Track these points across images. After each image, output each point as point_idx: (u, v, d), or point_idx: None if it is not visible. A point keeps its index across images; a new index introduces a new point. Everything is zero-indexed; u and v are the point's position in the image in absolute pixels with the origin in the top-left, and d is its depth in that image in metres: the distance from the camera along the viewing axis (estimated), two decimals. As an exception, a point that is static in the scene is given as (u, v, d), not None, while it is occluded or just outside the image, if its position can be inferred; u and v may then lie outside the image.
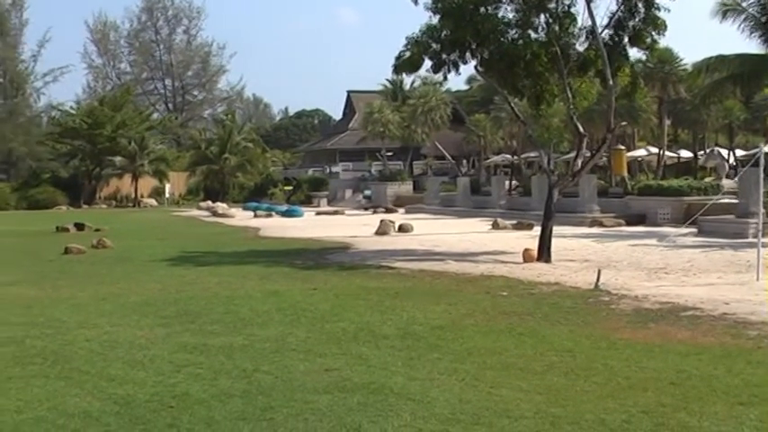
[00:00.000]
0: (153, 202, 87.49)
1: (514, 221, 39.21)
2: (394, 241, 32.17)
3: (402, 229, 37.14)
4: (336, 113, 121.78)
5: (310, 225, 45.11)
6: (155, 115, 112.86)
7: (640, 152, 61.33)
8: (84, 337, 12.29)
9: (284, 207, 64.36)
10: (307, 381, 9.55)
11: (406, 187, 73.42)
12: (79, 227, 41.53)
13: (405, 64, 26.02)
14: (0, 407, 8.68)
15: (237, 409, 8.45)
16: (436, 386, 9.33)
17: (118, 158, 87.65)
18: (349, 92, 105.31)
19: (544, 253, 23.37)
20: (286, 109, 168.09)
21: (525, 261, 22.95)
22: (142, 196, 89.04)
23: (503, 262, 23.22)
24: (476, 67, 26.53)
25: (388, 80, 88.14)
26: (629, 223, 39.08)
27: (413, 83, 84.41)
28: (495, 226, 38.66)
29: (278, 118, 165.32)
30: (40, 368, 10.40)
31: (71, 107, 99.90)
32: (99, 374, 10.00)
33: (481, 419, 8.14)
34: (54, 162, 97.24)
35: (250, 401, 8.74)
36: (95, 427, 8.02)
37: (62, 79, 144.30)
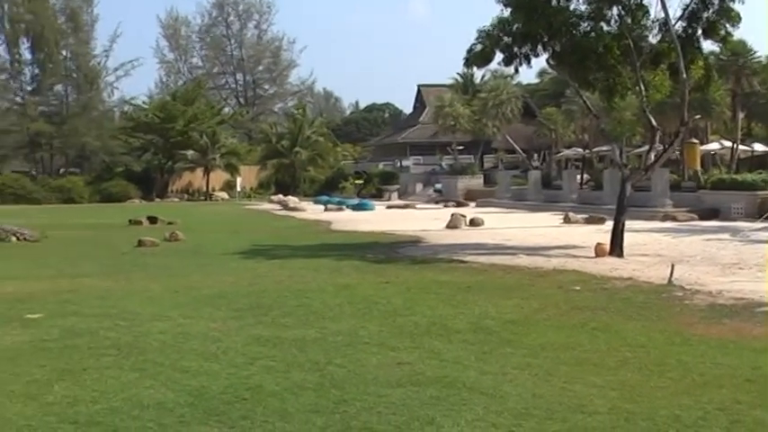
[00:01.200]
0: (224, 195, 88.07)
1: (586, 215, 38.98)
2: (465, 235, 32.11)
3: (473, 222, 37.08)
4: (407, 107, 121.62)
5: (381, 219, 45.14)
6: (226, 109, 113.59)
7: (713, 146, 60.55)
8: (158, 329, 12.39)
9: (355, 201, 64.42)
10: (379, 374, 9.56)
11: (477, 181, 73.25)
12: (152, 220, 41.89)
13: (476, 57, 25.95)
14: (75, 397, 8.75)
15: (311, 402, 8.47)
16: (509, 381, 9.30)
17: (190, 152, 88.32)
18: (419, 85, 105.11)
19: (616, 247, 23.19)
20: (356, 103, 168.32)
21: (597, 255, 22.78)
22: (214, 190, 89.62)
23: (575, 256, 23.08)
24: (547, 61, 26.42)
25: (458, 73, 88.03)
26: (701, 218, 38.70)
27: (483, 76, 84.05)
28: (567, 220, 38.45)
29: (348, 112, 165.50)
30: (114, 359, 10.50)
31: (143, 102, 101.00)
32: (173, 366, 10.06)
33: (555, 415, 8.10)
34: (127, 156, 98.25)
35: (323, 394, 8.75)
36: (170, 418, 8.07)
37: (134, 74, 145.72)
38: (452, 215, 38.17)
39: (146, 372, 9.79)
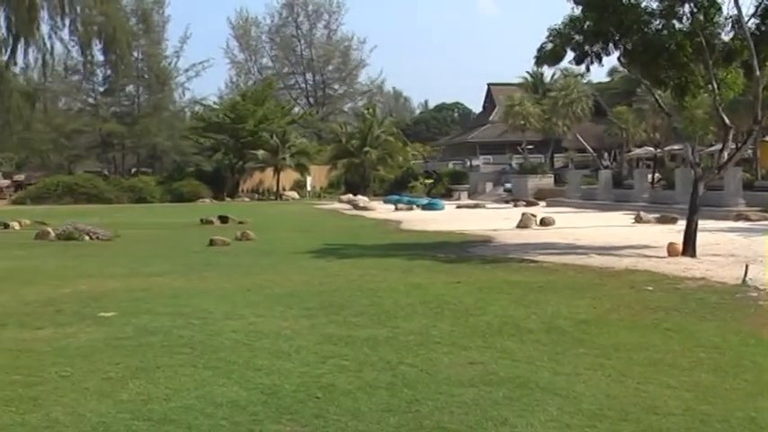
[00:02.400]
0: (294, 194, 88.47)
1: (657, 215, 38.63)
2: (535, 235, 31.99)
3: (543, 222, 36.93)
4: (476, 106, 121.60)
5: (451, 218, 45.15)
6: (296, 109, 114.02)
7: (787, 144, 59.97)
8: (231, 328, 12.44)
9: (425, 200, 64.46)
10: (452, 374, 9.52)
11: (547, 180, 72.99)
12: (223, 219, 42.18)
13: (547, 56, 25.83)
14: (149, 395, 8.81)
15: (383, 401, 8.46)
16: (582, 381, 9.23)
17: (260, 152, 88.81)
18: (489, 84, 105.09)
19: (689, 247, 22.95)
20: (426, 102, 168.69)
21: (670, 255, 22.56)
22: (284, 189, 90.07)
23: (647, 256, 22.88)
24: (619, 59, 26.24)
25: (528, 72, 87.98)
26: (775, 217, 38.25)
27: (553, 75, 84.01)
28: (638, 219, 38.13)
29: (418, 111, 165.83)
30: (187, 357, 10.55)
31: (214, 102, 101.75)
32: (245, 364, 10.09)
33: (629, 416, 8.02)
34: (197, 156, 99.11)
35: (395, 394, 8.73)
36: (243, 416, 8.09)
37: (204, 74, 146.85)
38: (523, 215, 38.05)
39: (219, 370, 9.83)
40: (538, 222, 36.82)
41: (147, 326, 12.60)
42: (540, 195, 66.56)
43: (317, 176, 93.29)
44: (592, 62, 25.40)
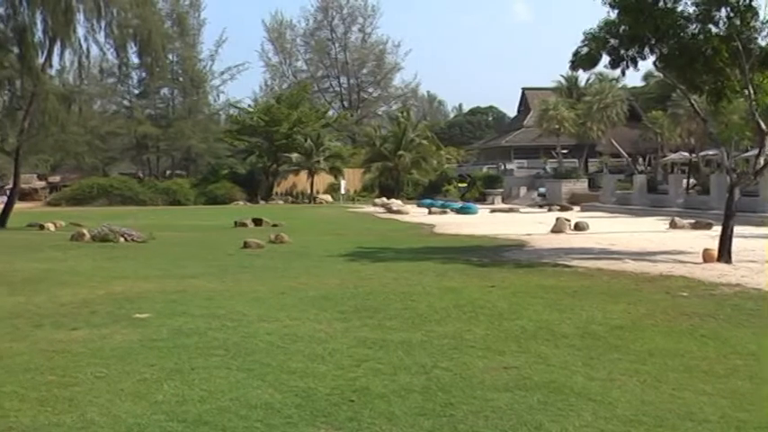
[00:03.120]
0: (328, 198, 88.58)
1: (692, 220, 38.47)
2: (569, 239, 31.90)
3: (578, 227, 36.84)
4: (511, 110, 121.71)
5: (485, 222, 45.11)
6: (330, 112, 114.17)
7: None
8: (265, 330, 12.45)
9: (459, 204, 64.45)
10: (486, 378, 9.50)
11: (581, 185, 72.82)
12: (257, 222, 42.35)
13: (582, 60, 25.74)
14: (184, 396, 8.84)
15: (417, 405, 8.44)
16: (617, 387, 9.18)
17: (294, 155, 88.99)
18: (524, 89, 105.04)
19: (725, 253, 22.81)
20: (460, 106, 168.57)
21: (705, 261, 22.44)
22: (318, 192, 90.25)
23: (682, 262, 22.76)
24: (654, 63, 26.13)
25: (562, 76, 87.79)
26: (812, 223, 37.97)
27: (588, 79, 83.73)
28: (673, 225, 38.01)
29: (452, 115, 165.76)
30: (222, 359, 10.57)
31: (248, 105, 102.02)
32: (280, 367, 10.10)
33: (664, 422, 7.98)
34: (232, 158, 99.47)
35: (430, 397, 8.72)
36: (277, 418, 8.10)
37: (239, 77, 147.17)
38: (557, 219, 38.01)
39: (253, 372, 9.84)
40: (572, 227, 36.73)
41: (182, 327, 12.64)
42: (575, 200, 66.40)
43: (350, 180, 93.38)
44: (627, 66, 25.29)
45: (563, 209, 59.01)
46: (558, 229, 35.96)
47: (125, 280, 19.27)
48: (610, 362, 10.40)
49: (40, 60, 42.72)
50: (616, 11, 24.36)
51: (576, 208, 60.50)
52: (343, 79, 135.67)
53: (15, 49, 41.16)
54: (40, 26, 41.38)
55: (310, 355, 10.72)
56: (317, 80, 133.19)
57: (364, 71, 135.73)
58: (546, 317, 13.58)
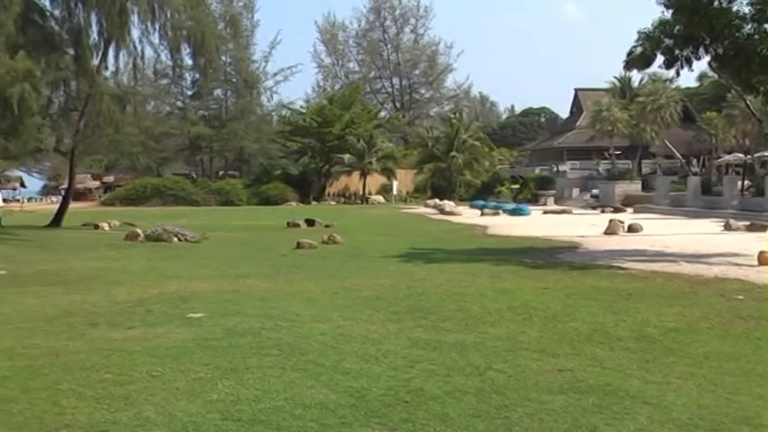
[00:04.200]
0: (380, 198, 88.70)
1: (747, 222, 38.15)
2: (623, 241, 31.73)
3: (631, 229, 36.63)
4: (563, 111, 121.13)
5: (538, 224, 45.00)
6: (382, 113, 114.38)
7: None
8: (318, 331, 12.46)
9: (511, 205, 64.39)
10: (540, 380, 9.45)
11: (635, 186, 72.40)
12: (309, 222, 42.49)
13: (636, 60, 25.63)
14: (239, 395, 8.85)
15: (472, 407, 8.41)
16: (672, 390, 9.10)
17: (347, 156, 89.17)
18: (576, 89, 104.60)
19: (780, 256, 22.62)
20: (512, 107, 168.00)
21: (761, 264, 22.18)
22: (370, 193, 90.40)
23: (737, 264, 22.54)
24: (709, 63, 26.00)
25: (615, 77, 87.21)
26: None
27: (641, 80, 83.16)
28: (728, 227, 37.70)
29: (504, 116, 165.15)
30: (276, 359, 10.58)
31: (301, 106, 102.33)
32: (333, 367, 10.10)
33: (720, 426, 7.90)
34: (284, 159, 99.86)
35: (484, 399, 8.68)
36: (331, 418, 8.10)
37: (292, 79, 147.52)
38: (610, 221, 37.82)
39: (307, 372, 9.85)
40: (625, 229, 36.53)
41: (236, 327, 12.68)
42: (628, 202, 66.07)
43: (403, 180, 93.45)
44: (682, 66, 25.15)
45: (616, 210, 58.79)
46: (611, 230, 35.79)
47: (179, 279, 19.40)
48: (665, 365, 10.32)
49: (96, 62, 43.10)
50: (671, 10, 24.22)
51: (630, 210, 60.21)
52: (396, 80, 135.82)
53: (71, 51, 41.53)
54: (95, 28, 41.77)
55: (364, 356, 10.72)
56: (369, 81, 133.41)
57: (416, 72, 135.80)
58: (600, 319, 13.50)
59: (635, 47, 25.29)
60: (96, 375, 9.79)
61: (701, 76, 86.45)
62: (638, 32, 25.10)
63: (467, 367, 10.08)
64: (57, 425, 7.99)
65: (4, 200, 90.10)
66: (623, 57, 25.97)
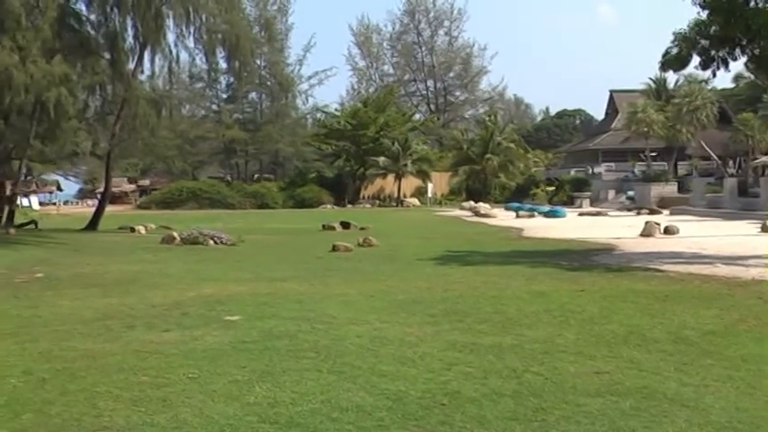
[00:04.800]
0: (415, 201, 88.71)
1: (785, 224, 37.93)
2: (659, 243, 31.58)
3: (667, 231, 36.46)
4: (598, 113, 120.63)
5: (573, 226, 44.87)
6: (417, 116, 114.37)
7: None
8: (355, 333, 12.46)
9: (546, 207, 64.25)
10: (577, 383, 9.41)
11: (671, 188, 72.03)
12: (345, 225, 42.54)
13: (672, 61, 25.53)
14: (276, 398, 8.86)
15: (509, 410, 8.39)
16: (710, 393, 9.05)
17: (381, 159, 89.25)
18: (611, 91, 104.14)
19: (819, 257, 22.48)
20: (547, 109, 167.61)
21: (799, 266, 22.11)
22: (405, 196, 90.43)
23: (775, 266, 22.45)
24: (746, 64, 25.89)
25: (651, 78, 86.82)
26: None
27: (677, 81, 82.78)
28: (765, 229, 37.42)
29: (539, 118, 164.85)
30: (312, 362, 10.58)
31: (335, 109, 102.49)
32: (370, 370, 10.10)
33: (759, 429, 7.86)
34: (319, 162, 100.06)
35: (521, 402, 8.66)
36: (369, 421, 8.10)
37: (326, 82, 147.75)
38: (646, 223, 37.62)
39: (344, 375, 9.86)
40: (661, 231, 36.35)
41: (273, 330, 12.70)
42: (664, 203, 65.77)
43: (438, 183, 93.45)
44: (718, 67, 25.04)
45: (652, 212, 58.49)
46: (647, 232, 35.63)
47: (215, 282, 19.46)
48: (703, 368, 10.26)
49: (131, 66, 43.33)
50: (706, 11, 24.12)
51: (665, 211, 59.90)
52: (430, 83, 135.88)
53: (107, 55, 41.75)
54: (130, 32, 41.97)
55: (401, 359, 10.71)
56: (404, 84, 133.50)
57: (451, 74, 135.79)
58: (637, 321, 13.44)
59: (670, 48, 25.21)
60: (133, 378, 9.83)
61: (737, 77, 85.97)
62: (674, 33, 25.03)
63: (504, 370, 10.06)
64: (95, 427, 8.04)
65: (41, 203, 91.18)
66: (658, 58, 25.91)
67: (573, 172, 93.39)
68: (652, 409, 8.39)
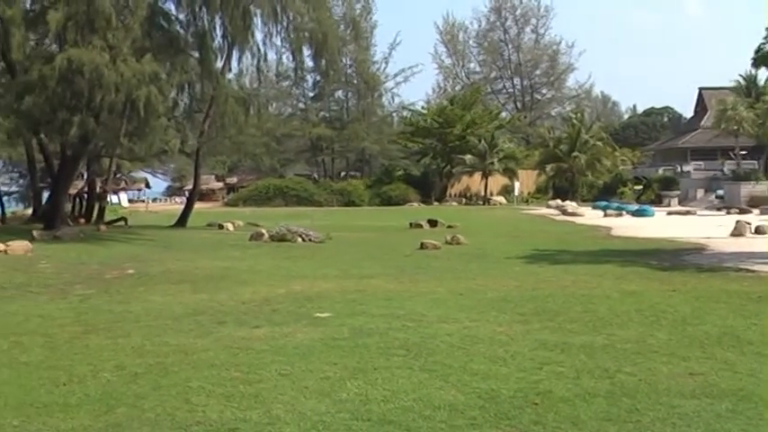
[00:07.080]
0: (502, 199, 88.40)
1: None
2: (750, 243, 31.12)
3: (758, 230, 35.92)
4: (687, 111, 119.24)
5: (662, 225, 44.45)
6: (503, 114, 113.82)
7: None
8: (445, 331, 12.45)
9: (634, 206, 63.71)
10: (671, 384, 9.29)
11: (761, 187, 70.92)
12: (432, 223, 42.52)
13: (765, 57, 25.18)
14: (368, 395, 8.89)
15: (602, 410, 8.32)
16: (808, 397, 8.91)
17: (468, 156, 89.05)
18: (701, 88, 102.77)
19: None
20: (634, 107, 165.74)
21: None
22: (491, 194, 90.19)
23: None
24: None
25: (741, 75, 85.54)
26: None
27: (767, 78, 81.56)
28: None
29: (626, 116, 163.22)
30: (403, 360, 10.60)
31: (422, 107, 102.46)
32: (462, 368, 10.08)
33: None
34: (405, 160, 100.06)
35: (614, 402, 8.58)
36: (461, 419, 8.08)
37: (412, 79, 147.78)
38: (737, 222, 37.13)
39: (435, 373, 9.85)
40: (752, 230, 35.85)
41: (363, 327, 12.74)
42: (754, 203, 64.82)
43: (524, 181, 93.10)
44: (812, 64, 24.63)
45: (742, 212, 57.71)
46: (738, 232, 35.16)
47: (304, 279, 19.57)
48: (800, 370, 10.10)
49: (219, 64, 43.64)
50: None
51: (756, 211, 59.03)
52: (517, 80, 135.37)
53: (195, 54, 42.05)
54: (218, 31, 42.24)
55: (492, 357, 10.68)
56: (490, 81, 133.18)
57: (537, 72, 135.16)
58: (730, 322, 13.25)
59: (763, 44, 24.86)
60: (225, 373, 9.93)
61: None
62: (767, 29, 24.66)
63: (596, 370, 9.98)
64: (188, 422, 8.11)
65: (130, 200, 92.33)
66: (748, 54, 25.61)
67: (661, 170, 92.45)
68: (748, 412, 8.26)
